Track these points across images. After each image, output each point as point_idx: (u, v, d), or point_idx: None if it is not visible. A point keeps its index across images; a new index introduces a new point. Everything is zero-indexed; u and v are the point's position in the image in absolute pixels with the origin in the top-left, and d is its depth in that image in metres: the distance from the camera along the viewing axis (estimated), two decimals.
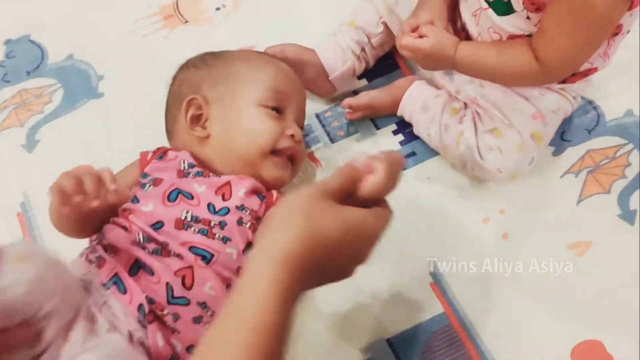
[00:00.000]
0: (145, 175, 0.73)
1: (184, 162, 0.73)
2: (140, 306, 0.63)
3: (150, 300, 0.64)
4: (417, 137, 0.91)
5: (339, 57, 0.93)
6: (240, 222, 0.70)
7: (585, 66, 0.79)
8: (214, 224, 0.69)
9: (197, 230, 0.68)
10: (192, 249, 0.67)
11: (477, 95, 0.84)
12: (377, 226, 0.56)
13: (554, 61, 0.73)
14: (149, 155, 0.76)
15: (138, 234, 0.67)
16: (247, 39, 0.99)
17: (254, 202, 0.72)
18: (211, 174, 0.73)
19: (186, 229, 0.68)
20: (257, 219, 0.71)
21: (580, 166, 0.88)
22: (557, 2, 0.69)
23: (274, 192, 0.75)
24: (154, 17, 1.04)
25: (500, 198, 0.87)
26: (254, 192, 0.73)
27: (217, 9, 1.05)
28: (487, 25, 0.79)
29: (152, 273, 0.65)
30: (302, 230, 0.50)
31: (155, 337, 0.63)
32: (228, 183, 0.72)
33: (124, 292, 0.64)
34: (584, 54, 0.74)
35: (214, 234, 0.68)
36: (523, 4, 0.72)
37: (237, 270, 0.68)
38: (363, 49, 0.94)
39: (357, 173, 0.57)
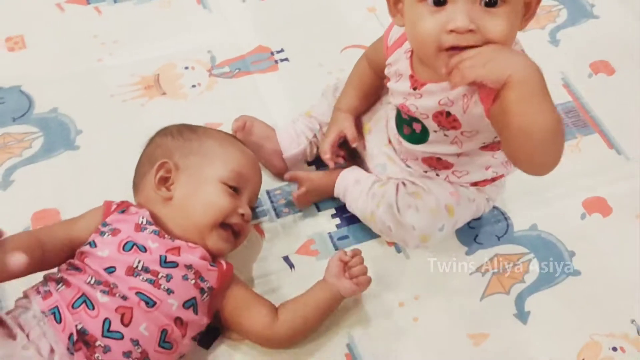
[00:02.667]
0: (105, 224, 0.83)
1: (142, 218, 0.83)
2: (70, 335, 0.73)
3: (84, 331, 0.73)
4: (351, 223, 1.03)
5: (293, 139, 1.05)
6: (185, 277, 0.80)
7: (491, 174, 0.94)
8: (162, 276, 0.78)
9: (145, 279, 0.78)
10: (137, 293, 0.77)
11: (406, 178, 0.96)
12: None
13: None
14: (113, 207, 0.86)
15: (90, 277, 0.77)
16: (216, 116, 1.12)
17: (203, 266, 0.82)
18: (166, 235, 0.83)
19: (135, 277, 0.78)
20: (200, 279, 0.81)
21: (487, 267, 1.01)
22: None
23: (223, 262, 0.86)
24: (136, 86, 1.17)
25: (417, 286, 0.98)
26: (204, 259, 0.83)
27: (193, 86, 1.18)
28: (406, 150, 0.94)
29: (92, 308, 0.75)
30: None
31: None
32: (178, 248, 0.82)
33: (59, 321, 0.74)
34: None
35: (160, 285, 0.78)
36: (440, 125, 0.86)
37: (175, 321, 0.78)
38: (315, 135, 1.07)
39: None
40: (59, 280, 0.78)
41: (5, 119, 1.09)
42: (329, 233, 1.03)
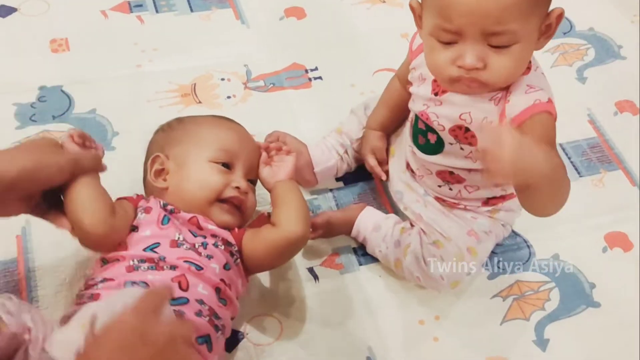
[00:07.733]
0: (139, 207, 0.87)
1: (160, 201, 0.87)
2: None
3: None
4: None
5: (325, 154, 1.08)
6: (215, 245, 0.84)
7: (500, 192, 0.96)
8: (198, 245, 0.83)
9: (187, 247, 0.82)
10: (185, 261, 0.80)
11: (422, 213, 0.98)
12: None
13: None
14: (135, 196, 0.90)
15: (131, 260, 0.79)
16: (248, 127, 1.13)
17: (224, 232, 0.86)
18: (181, 211, 0.86)
19: (179, 247, 0.81)
20: (227, 244, 0.86)
21: (508, 292, 1.02)
22: None
23: (235, 229, 0.89)
24: (173, 93, 1.20)
25: (438, 306, 0.99)
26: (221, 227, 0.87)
27: (228, 97, 1.21)
28: (421, 162, 0.97)
29: (146, 285, 0.76)
30: None
31: None
32: (195, 217, 0.86)
33: None
34: None
35: (200, 252, 0.82)
36: (457, 139, 0.89)
37: (221, 281, 0.82)
38: (346, 151, 1.09)
39: None
40: (102, 280, 0.79)
41: (46, 117, 1.13)
42: (354, 248, 1.04)
